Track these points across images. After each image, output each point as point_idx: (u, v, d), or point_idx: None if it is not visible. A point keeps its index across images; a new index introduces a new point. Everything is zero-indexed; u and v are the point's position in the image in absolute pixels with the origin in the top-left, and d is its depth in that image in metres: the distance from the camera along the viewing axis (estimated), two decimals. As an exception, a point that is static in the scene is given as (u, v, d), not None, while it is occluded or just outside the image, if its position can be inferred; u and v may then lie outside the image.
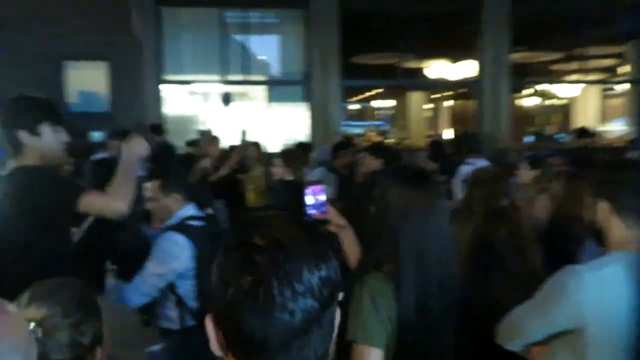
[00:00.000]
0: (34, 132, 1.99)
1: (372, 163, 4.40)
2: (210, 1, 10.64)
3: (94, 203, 1.93)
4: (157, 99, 10.46)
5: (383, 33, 11.25)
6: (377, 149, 4.71)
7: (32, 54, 9.25)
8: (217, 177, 6.22)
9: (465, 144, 6.62)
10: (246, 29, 11.01)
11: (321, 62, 10.33)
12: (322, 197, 1.92)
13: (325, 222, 1.89)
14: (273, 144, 10.48)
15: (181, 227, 2.34)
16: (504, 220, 2.12)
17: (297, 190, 4.57)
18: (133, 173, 2.06)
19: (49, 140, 2.03)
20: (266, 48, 11.72)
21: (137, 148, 2.12)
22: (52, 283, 1.39)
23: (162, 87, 10.57)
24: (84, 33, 9.31)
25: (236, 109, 10.98)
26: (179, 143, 8.13)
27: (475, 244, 2.07)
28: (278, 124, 11.15)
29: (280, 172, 4.46)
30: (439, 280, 1.56)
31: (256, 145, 7.04)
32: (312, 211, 1.91)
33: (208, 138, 7.65)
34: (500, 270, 2.02)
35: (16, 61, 9.14)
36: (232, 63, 10.80)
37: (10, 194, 1.91)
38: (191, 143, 7.80)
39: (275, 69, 11.85)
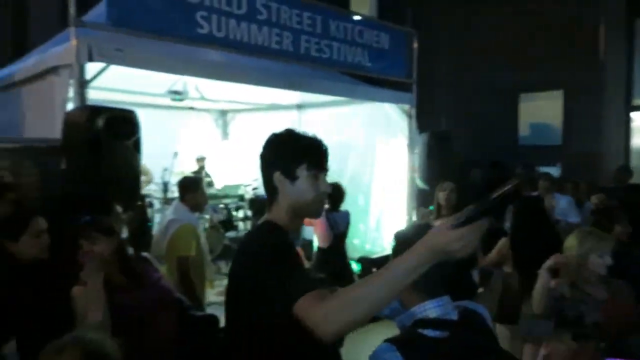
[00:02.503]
0: (290, 175, 1.62)
1: None
2: None
3: (307, 313, 1.33)
4: (622, 129, 8.77)
5: None
6: None
7: (492, 88, 9.46)
8: None
9: None
10: None
11: None
12: None
13: None
14: None
15: (406, 340, 1.51)
16: None
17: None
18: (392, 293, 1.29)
19: (303, 188, 1.61)
20: None
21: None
22: None
23: (632, 114, 8.80)
24: (540, 63, 8.79)
25: None
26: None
27: None
28: None
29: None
30: None
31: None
32: None
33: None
34: None
35: (476, 95, 9.57)
36: None
37: (240, 252, 1.65)
38: None
39: None
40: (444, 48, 9.59)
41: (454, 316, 1.52)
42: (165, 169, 6.50)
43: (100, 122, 2.89)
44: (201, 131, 7.93)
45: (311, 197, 1.62)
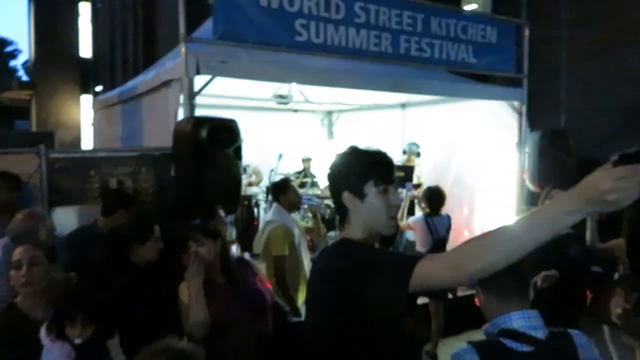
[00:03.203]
0: (359, 193, 1.61)
1: None
2: None
3: (429, 272, 1.35)
4: None
5: None
6: None
7: (621, 78, 8.53)
8: None
9: None
10: None
11: None
12: None
13: None
14: None
15: (487, 346, 1.50)
16: None
17: None
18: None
19: (374, 204, 1.59)
20: None
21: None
22: None
23: None
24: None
25: None
26: None
27: None
28: None
29: None
30: None
31: None
32: None
33: None
34: None
35: (603, 87, 8.70)
36: None
37: (323, 271, 1.65)
38: None
39: None
40: (565, 38, 8.84)
41: (541, 335, 1.50)
42: (272, 170, 6.78)
43: (203, 132, 3.10)
44: (307, 132, 8.14)
45: (383, 213, 1.61)
